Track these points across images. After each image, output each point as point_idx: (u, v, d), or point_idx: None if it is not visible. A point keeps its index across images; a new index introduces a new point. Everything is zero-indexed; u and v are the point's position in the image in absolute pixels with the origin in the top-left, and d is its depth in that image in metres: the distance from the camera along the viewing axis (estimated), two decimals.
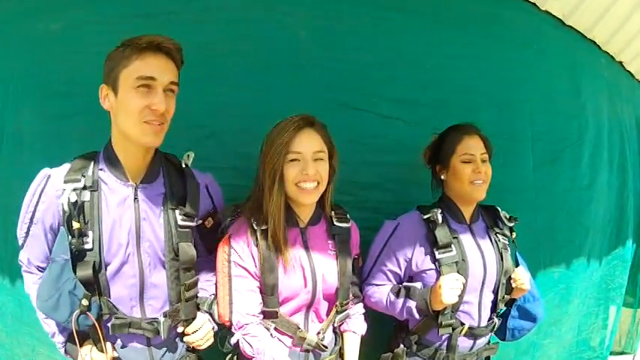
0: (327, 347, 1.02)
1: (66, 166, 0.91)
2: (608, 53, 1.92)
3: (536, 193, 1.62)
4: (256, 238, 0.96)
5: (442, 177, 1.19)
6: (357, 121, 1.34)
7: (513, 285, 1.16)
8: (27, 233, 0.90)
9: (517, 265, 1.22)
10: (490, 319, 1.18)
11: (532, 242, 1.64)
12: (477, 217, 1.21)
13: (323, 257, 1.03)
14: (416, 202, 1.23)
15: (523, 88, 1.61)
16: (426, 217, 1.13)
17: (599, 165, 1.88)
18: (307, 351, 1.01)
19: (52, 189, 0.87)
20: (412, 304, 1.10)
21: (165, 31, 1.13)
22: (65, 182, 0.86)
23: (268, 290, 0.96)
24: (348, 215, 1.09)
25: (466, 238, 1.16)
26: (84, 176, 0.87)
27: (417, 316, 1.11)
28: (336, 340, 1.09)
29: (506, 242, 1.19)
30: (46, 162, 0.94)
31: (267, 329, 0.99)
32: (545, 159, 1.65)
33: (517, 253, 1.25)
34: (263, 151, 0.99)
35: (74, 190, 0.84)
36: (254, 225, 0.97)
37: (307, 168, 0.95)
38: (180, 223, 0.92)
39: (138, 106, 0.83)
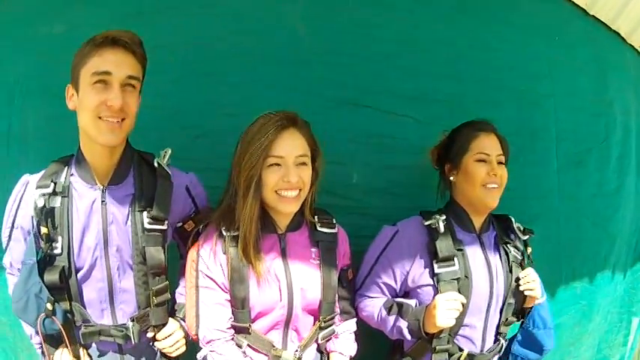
0: None
1: (42, 172, 0.90)
2: (632, 47, 1.76)
3: (559, 199, 1.46)
4: (225, 245, 0.87)
5: (451, 178, 1.04)
6: (361, 119, 1.24)
7: (520, 288, 1.01)
8: (9, 237, 0.92)
9: None
10: (496, 341, 1.03)
11: (554, 254, 1.48)
12: (488, 226, 1.06)
13: (303, 267, 0.92)
14: (424, 208, 1.07)
15: (546, 82, 1.45)
16: (427, 223, 0.99)
17: (627, 168, 1.70)
18: None
19: (29, 195, 0.88)
20: (403, 324, 0.97)
21: (165, 28, 1.18)
22: (36, 188, 0.87)
23: (238, 304, 0.88)
24: (334, 220, 0.98)
25: (473, 251, 1.01)
26: (54, 182, 0.87)
27: (408, 337, 0.99)
28: (321, 359, 0.99)
29: (519, 256, 1.04)
30: (49, 163, 0.93)
31: (240, 346, 0.90)
32: (569, 161, 1.49)
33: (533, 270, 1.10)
34: (238, 151, 0.89)
35: (42, 195, 0.84)
36: (223, 231, 0.88)
37: (289, 175, 0.85)
38: (147, 226, 0.89)
39: (93, 103, 0.80)
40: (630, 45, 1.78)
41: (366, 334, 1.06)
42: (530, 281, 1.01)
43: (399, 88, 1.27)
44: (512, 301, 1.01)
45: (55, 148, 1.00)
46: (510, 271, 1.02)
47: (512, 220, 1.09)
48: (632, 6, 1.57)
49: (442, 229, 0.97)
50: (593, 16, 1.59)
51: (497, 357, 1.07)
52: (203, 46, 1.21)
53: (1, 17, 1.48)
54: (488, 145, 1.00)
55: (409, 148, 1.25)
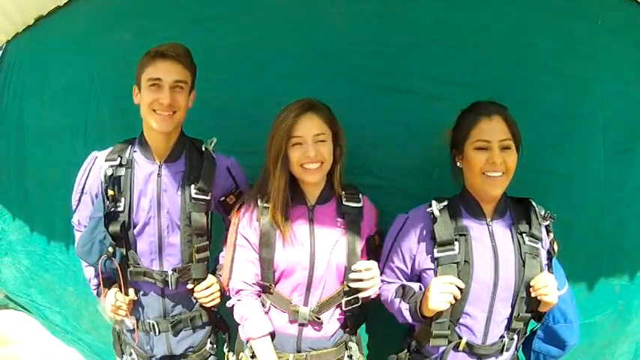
0: (320, 319, 1.01)
1: (109, 149, 1.13)
2: None
3: (605, 189, 1.37)
4: (258, 212, 1.03)
5: (458, 164, 1.02)
6: (399, 104, 1.29)
7: (533, 294, 0.93)
8: (79, 200, 1.14)
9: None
10: (501, 337, 0.97)
11: (595, 248, 1.40)
12: (502, 212, 1.00)
13: (329, 236, 1.03)
14: (459, 190, 1.06)
15: (591, 67, 1.37)
16: (428, 210, 0.99)
17: None
18: (303, 325, 1.01)
19: (96, 167, 1.11)
20: (405, 306, 0.99)
21: (219, 32, 1.41)
22: (105, 161, 1.10)
23: (265, 264, 1.02)
24: (360, 195, 1.08)
25: (479, 237, 0.97)
26: (120, 156, 1.09)
27: (409, 319, 0.99)
28: (344, 333, 1.06)
29: (536, 246, 0.97)
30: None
31: (264, 305, 1.04)
32: (616, 149, 1.40)
33: (555, 261, 1.01)
34: (270, 134, 1.04)
35: (111, 166, 1.07)
36: (258, 201, 1.04)
37: (308, 150, 1.00)
38: (193, 195, 1.09)
39: (149, 100, 1.05)
40: None
41: (388, 315, 1.08)
42: (543, 287, 0.92)
43: (438, 73, 1.28)
44: (524, 295, 0.94)
45: (125, 136, 1.20)
46: (524, 264, 0.95)
47: (534, 204, 1.01)
48: None
49: (437, 214, 0.96)
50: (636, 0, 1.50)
51: (507, 354, 0.99)
52: (253, 44, 1.38)
53: (78, 28, 1.76)
54: (488, 130, 0.94)
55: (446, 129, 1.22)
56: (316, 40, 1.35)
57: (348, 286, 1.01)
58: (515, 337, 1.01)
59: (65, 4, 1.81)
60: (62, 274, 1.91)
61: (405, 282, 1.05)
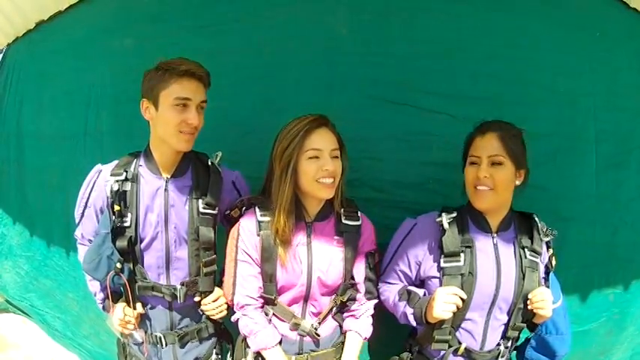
0: (319, 335, 1.07)
1: (114, 163, 1.13)
2: None
3: (596, 201, 1.44)
4: (259, 227, 1.04)
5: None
6: (399, 116, 1.32)
7: (529, 307, 1.01)
8: (82, 214, 1.15)
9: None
10: (498, 344, 1.05)
11: (588, 258, 1.45)
12: (506, 226, 1.06)
13: (326, 253, 1.06)
14: (460, 205, 1.10)
15: (586, 80, 1.42)
16: (437, 220, 1.04)
17: None
18: (302, 336, 1.07)
19: (102, 180, 1.11)
20: (409, 310, 1.05)
21: (219, 38, 1.41)
22: (111, 175, 1.10)
23: (267, 278, 1.05)
24: (359, 213, 1.10)
25: (484, 250, 1.03)
26: (126, 171, 1.10)
27: (413, 323, 1.06)
28: (340, 334, 1.12)
29: (536, 260, 1.04)
30: (120, 155, 1.15)
31: (267, 314, 1.07)
32: (609, 162, 1.46)
33: (552, 275, 1.09)
34: (276, 146, 1.04)
35: (116, 181, 1.08)
36: (259, 215, 1.05)
37: (327, 164, 1.00)
38: (201, 210, 1.11)
39: (176, 120, 1.04)
40: None
41: (389, 317, 1.13)
42: (539, 301, 0.99)
43: (437, 87, 1.32)
44: (521, 306, 1.01)
45: (124, 143, 1.24)
46: (523, 277, 1.01)
47: (537, 219, 1.08)
48: None
49: (447, 226, 1.01)
50: (634, 9, 1.52)
51: None
52: (252, 52, 1.39)
53: (79, 33, 1.78)
54: (479, 147, 1.02)
55: (445, 145, 1.29)
56: (317, 49, 1.36)
57: (342, 299, 1.08)
58: (509, 344, 1.08)
59: (66, 9, 1.83)
60: (62, 279, 1.94)
61: (407, 285, 1.10)
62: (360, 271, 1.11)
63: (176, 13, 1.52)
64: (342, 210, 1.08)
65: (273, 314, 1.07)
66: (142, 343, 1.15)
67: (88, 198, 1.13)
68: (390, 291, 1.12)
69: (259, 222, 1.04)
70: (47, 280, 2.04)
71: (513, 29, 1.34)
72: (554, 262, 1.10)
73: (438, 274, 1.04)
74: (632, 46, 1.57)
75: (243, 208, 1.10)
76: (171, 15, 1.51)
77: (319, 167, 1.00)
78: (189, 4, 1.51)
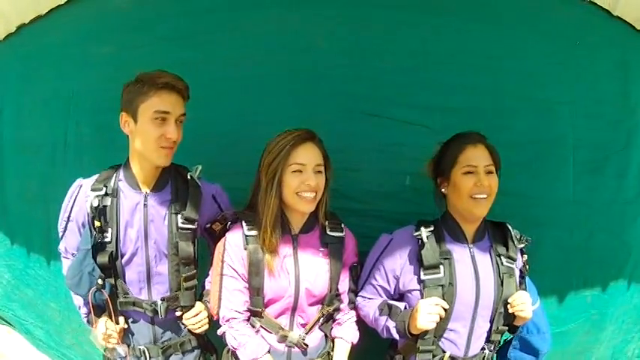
0: (307, 345, 1.09)
1: (94, 177, 1.14)
2: None
3: (573, 207, 1.48)
4: (246, 242, 1.05)
5: (443, 190, 1.11)
6: (378, 129, 1.35)
7: (510, 310, 1.06)
8: (65, 228, 1.15)
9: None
10: (482, 349, 1.09)
11: (564, 262, 1.50)
12: (481, 235, 1.11)
13: (312, 265, 1.09)
14: (436, 214, 1.14)
15: (565, 89, 1.45)
16: (415, 234, 1.07)
17: None
18: (290, 347, 1.09)
19: (82, 195, 1.12)
20: (391, 324, 1.07)
21: (200, 49, 1.40)
22: (91, 190, 1.10)
23: (254, 291, 1.06)
24: (342, 225, 1.13)
25: (462, 260, 1.07)
26: (106, 186, 1.10)
27: (396, 336, 1.08)
28: (326, 343, 1.15)
29: (512, 266, 1.08)
30: (100, 167, 1.16)
31: (254, 326, 1.08)
32: (586, 168, 1.50)
33: (527, 279, 1.14)
34: (263, 160, 1.06)
35: (97, 197, 1.08)
36: (245, 230, 1.06)
37: (309, 179, 1.02)
38: (180, 225, 1.11)
39: (155, 135, 1.04)
40: None
41: (370, 328, 1.16)
42: (520, 304, 1.04)
43: (414, 99, 1.35)
44: (502, 310, 1.06)
45: (104, 154, 1.24)
46: (502, 283, 1.06)
47: (510, 228, 1.12)
48: None
49: (425, 240, 1.05)
50: (617, 17, 1.56)
51: None
52: (230, 64, 1.39)
53: (58, 39, 1.74)
54: (475, 156, 1.05)
55: (422, 156, 1.27)
56: (298, 62, 1.40)
57: (328, 310, 1.11)
58: (493, 347, 1.12)
59: (46, 13, 1.79)
60: (43, 289, 1.93)
61: (387, 299, 1.13)
62: (344, 282, 1.14)
63: (156, 23, 1.51)
64: (327, 222, 1.11)
65: (261, 326, 1.09)
66: (126, 357, 1.15)
67: (70, 212, 1.14)
68: (370, 307, 1.14)
69: (246, 236, 1.06)
70: (29, 290, 2.03)
71: (491, 40, 1.37)
72: (527, 267, 1.14)
73: (418, 287, 1.07)
74: (614, 53, 1.62)
75: (229, 223, 1.12)
76: (151, 24, 1.51)
77: (301, 181, 1.03)
78: (170, 14, 1.50)
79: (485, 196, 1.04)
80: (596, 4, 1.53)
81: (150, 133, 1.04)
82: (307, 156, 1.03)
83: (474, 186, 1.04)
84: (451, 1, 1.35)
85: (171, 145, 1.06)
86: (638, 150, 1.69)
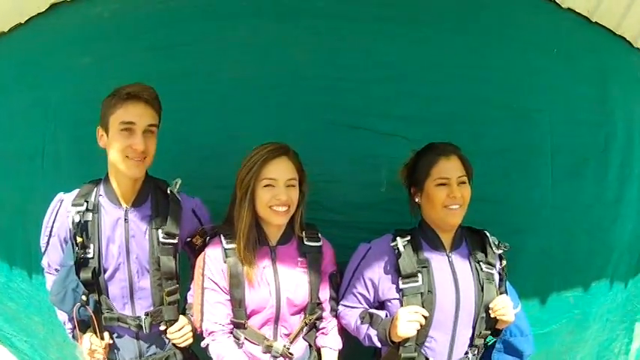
0: (292, 354, 1.10)
1: (75, 192, 1.13)
2: (639, 50, 1.72)
3: (552, 211, 1.50)
4: (226, 255, 1.07)
5: (417, 200, 1.13)
6: (356, 140, 1.36)
7: (492, 315, 1.07)
8: (47, 244, 1.14)
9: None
10: (465, 353, 1.10)
11: (544, 265, 1.52)
12: (459, 243, 1.12)
13: (291, 275, 1.10)
14: (415, 224, 1.16)
15: (542, 97, 1.47)
16: (392, 244, 1.08)
17: (629, 177, 1.72)
18: (275, 357, 1.10)
19: (64, 210, 1.11)
20: (373, 332, 1.09)
21: (176, 60, 1.38)
22: (72, 205, 1.09)
23: (236, 303, 1.07)
24: (319, 235, 1.15)
25: (440, 268, 1.08)
26: (87, 201, 1.09)
27: (378, 344, 1.09)
28: (310, 353, 1.16)
29: (492, 272, 1.10)
30: (79, 179, 1.15)
31: (238, 339, 1.09)
32: (565, 172, 1.53)
33: (507, 283, 1.17)
34: (238, 174, 1.08)
35: (78, 212, 1.07)
36: (224, 243, 1.08)
37: (280, 194, 1.05)
38: (161, 240, 1.12)
39: (121, 146, 1.04)
40: (637, 49, 1.74)
41: (352, 339, 1.17)
42: (501, 308, 1.06)
43: (392, 110, 1.36)
44: (484, 315, 1.07)
45: (83, 166, 1.22)
46: (482, 289, 1.08)
47: (488, 234, 1.15)
48: (635, 8, 1.54)
49: (402, 250, 1.06)
50: (596, 23, 1.59)
51: None
52: (210, 76, 1.39)
53: (36, 48, 1.72)
54: (447, 168, 1.07)
55: (398, 166, 1.27)
56: (275, 74, 1.39)
57: (310, 319, 1.13)
58: (477, 352, 1.14)
59: (26, 21, 1.77)
60: (26, 303, 1.91)
61: (368, 308, 1.15)
62: (324, 290, 1.16)
63: (134, 34, 1.49)
64: (304, 233, 1.13)
65: (245, 338, 1.10)
66: None
67: (52, 228, 1.13)
68: (351, 315, 1.15)
69: (225, 249, 1.07)
70: (12, 303, 2.00)
71: (468, 49, 1.39)
72: (505, 272, 1.17)
73: (397, 295, 1.08)
74: (592, 58, 1.64)
75: (207, 238, 1.13)
76: (130, 35, 1.49)
77: (273, 196, 1.05)
78: (148, 25, 1.49)
79: (457, 206, 1.07)
80: (574, 10, 1.56)
81: (117, 144, 1.03)
82: (279, 171, 1.05)
83: (447, 197, 1.06)
84: (428, 12, 1.36)
85: (139, 156, 1.04)
86: (617, 153, 1.73)
